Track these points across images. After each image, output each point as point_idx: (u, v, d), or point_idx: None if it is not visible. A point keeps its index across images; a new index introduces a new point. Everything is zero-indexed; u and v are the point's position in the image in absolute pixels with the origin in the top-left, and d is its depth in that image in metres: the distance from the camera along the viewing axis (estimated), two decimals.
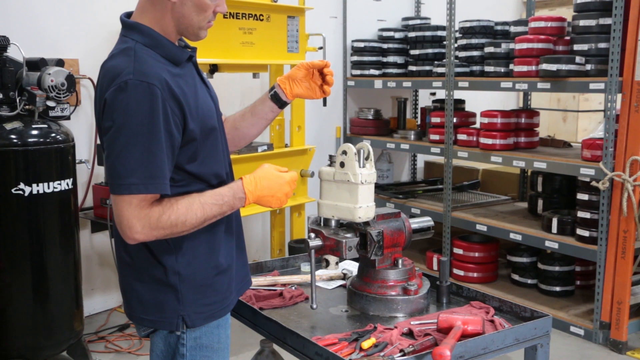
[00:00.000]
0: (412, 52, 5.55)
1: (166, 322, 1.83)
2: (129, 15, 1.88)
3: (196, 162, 1.80)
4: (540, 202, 4.95)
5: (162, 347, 1.88)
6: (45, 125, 3.44)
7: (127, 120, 1.66)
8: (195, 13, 1.81)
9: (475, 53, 5.01)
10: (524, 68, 4.43)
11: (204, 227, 1.79)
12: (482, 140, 4.76)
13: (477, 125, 5.11)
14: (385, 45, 5.73)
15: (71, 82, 3.51)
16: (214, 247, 1.87)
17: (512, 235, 4.60)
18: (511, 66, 4.60)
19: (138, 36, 1.79)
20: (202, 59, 3.52)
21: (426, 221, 2.35)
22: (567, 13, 5.10)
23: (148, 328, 1.88)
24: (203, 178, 1.83)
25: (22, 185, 3.31)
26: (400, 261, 2.19)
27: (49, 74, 3.42)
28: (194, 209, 1.73)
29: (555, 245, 4.33)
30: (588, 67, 4.15)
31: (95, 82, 4.31)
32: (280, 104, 2.11)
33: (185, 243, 1.81)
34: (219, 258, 1.88)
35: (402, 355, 1.85)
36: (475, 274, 4.97)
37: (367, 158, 2.08)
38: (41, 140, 3.37)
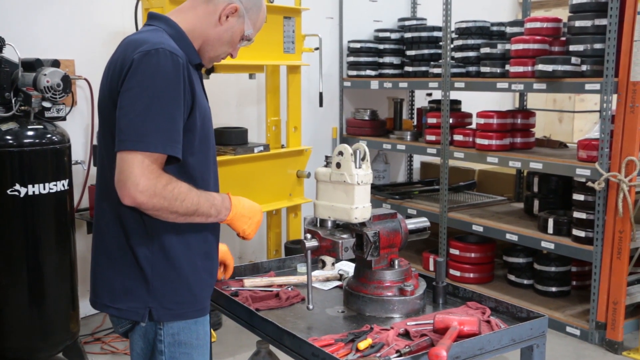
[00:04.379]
0: (408, 52, 5.56)
1: (132, 312, 1.83)
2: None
3: (192, 157, 1.82)
4: (536, 203, 4.96)
5: (142, 345, 1.89)
6: (41, 126, 3.43)
7: (154, 82, 1.69)
8: (227, 43, 1.92)
9: (471, 54, 5.02)
10: (520, 69, 4.44)
11: (189, 228, 1.82)
12: (478, 140, 4.76)
13: (473, 126, 5.11)
14: (381, 46, 5.73)
15: (67, 82, 3.51)
16: (192, 248, 1.87)
17: (508, 236, 4.61)
18: (507, 67, 4.61)
19: (164, 26, 1.86)
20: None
21: (422, 222, 2.36)
22: (563, 14, 5.11)
23: (126, 323, 1.88)
24: (192, 174, 1.83)
25: (17, 186, 3.30)
26: (396, 262, 2.19)
27: (45, 74, 3.41)
28: (192, 193, 1.77)
29: (551, 246, 4.34)
30: (584, 67, 4.16)
31: (91, 83, 4.37)
32: None
33: (164, 237, 1.81)
34: (196, 259, 1.88)
35: (398, 356, 1.85)
36: (471, 275, 4.97)
37: (363, 159, 2.09)
38: (37, 141, 3.36)
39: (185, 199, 1.74)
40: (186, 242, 1.85)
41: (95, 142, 4.36)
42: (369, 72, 5.68)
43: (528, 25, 4.59)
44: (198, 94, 1.81)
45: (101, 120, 1.87)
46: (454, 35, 5.16)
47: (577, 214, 4.25)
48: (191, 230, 1.85)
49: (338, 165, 2.08)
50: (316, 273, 2.55)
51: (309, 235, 2.13)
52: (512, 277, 4.94)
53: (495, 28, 5.14)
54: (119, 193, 1.70)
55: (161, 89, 1.69)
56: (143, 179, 1.66)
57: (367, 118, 5.73)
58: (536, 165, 4.40)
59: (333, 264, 2.64)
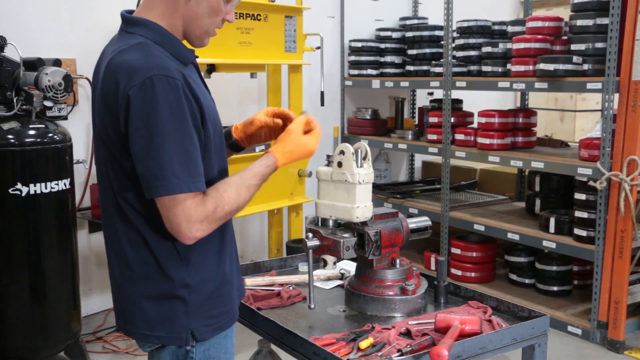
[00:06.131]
0: (410, 51, 5.55)
1: (174, 338, 1.76)
2: (129, 12, 1.80)
3: (210, 164, 1.76)
4: (537, 202, 4.96)
5: None
6: (43, 125, 3.43)
7: (158, 118, 1.59)
8: (208, 15, 1.76)
9: (472, 53, 5.01)
10: (522, 68, 4.43)
11: (214, 236, 1.76)
12: (480, 140, 4.76)
13: (475, 125, 5.11)
14: (382, 45, 5.73)
15: (68, 82, 3.51)
16: (221, 257, 1.82)
17: (509, 235, 4.60)
18: (509, 66, 4.61)
19: (146, 32, 1.71)
20: (199, 58, 3.50)
21: (424, 221, 2.35)
22: (565, 13, 5.10)
23: (154, 344, 1.80)
24: (213, 181, 1.77)
25: (19, 186, 3.30)
26: (398, 261, 2.19)
27: (46, 73, 3.41)
28: (242, 194, 1.73)
29: (553, 245, 4.34)
30: (585, 66, 4.16)
31: (92, 82, 4.37)
32: (239, 150, 2.13)
33: (194, 253, 1.75)
34: (225, 267, 1.84)
35: (399, 355, 1.85)
36: (472, 274, 4.97)
37: (364, 158, 2.08)
38: (38, 140, 3.36)
39: (238, 206, 1.72)
40: (217, 252, 1.81)
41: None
42: (370, 71, 5.68)
43: (529, 24, 4.59)
44: (203, 102, 1.71)
45: (102, 145, 1.75)
46: (455, 35, 5.16)
47: (578, 213, 4.25)
48: (220, 239, 1.81)
49: (339, 164, 2.07)
50: (317, 272, 2.55)
51: (310, 235, 2.13)
52: (513, 277, 4.93)
53: (496, 27, 5.13)
54: (178, 238, 1.65)
55: (167, 122, 1.59)
56: (194, 218, 1.62)
57: (368, 117, 5.73)
58: (538, 165, 4.39)
59: (334, 263, 2.64)
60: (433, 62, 5.26)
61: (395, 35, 5.74)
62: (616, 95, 3.96)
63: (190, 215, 1.62)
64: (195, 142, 1.65)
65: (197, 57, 1.86)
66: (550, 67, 4.19)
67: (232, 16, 1.84)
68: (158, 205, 1.64)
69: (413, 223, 2.30)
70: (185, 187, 1.62)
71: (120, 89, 1.61)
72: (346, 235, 2.11)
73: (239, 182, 1.75)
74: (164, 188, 1.61)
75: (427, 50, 5.42)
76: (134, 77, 1.60)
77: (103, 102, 1.68)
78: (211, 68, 4.22)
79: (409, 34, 5.58)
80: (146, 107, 1.59)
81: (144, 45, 1.67)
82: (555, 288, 4.66)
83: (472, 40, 5.02)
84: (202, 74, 1.95)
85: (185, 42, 1.82)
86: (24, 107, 3.42)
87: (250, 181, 1.77)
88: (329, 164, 2.13)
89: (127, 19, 1.76)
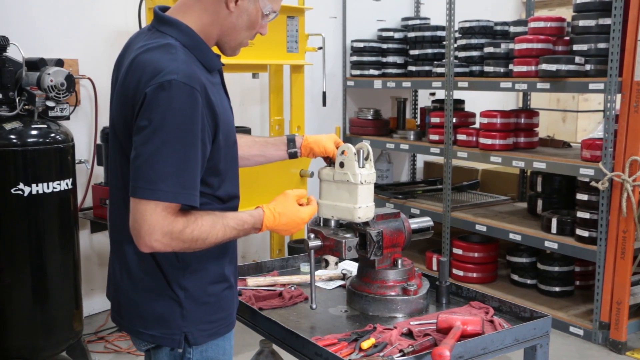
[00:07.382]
0: (412, 52, 5.55)
1: (168, 339, 1.76)
2: (162, 9, 1.78)
3: (217, 178, 1.75)
4: (539, 202, 4.95)
5: None
6: (45, 126, 3.43)
7: (166, 123, 1.57)
8: (246, 28, 1.77)
9: (474, 53, 5.01)
10: (524, 68, 4.43)
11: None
12: (482, 140, 4.76)
13: (477, 126, 5.11)
14: (384, 46, 5.73)
15: (71, 82, 3.51)
16: (221, 262, 1.81)
17: (511, 236, 4.60)
18: (511, 66, 4.60)
19: (177, 34, 1.70)
20: None
21: (426, 221, 2.35)
22: (567, 13, 5.11)
23: (148, 343, 1.81)
24: (219, 197, 1.76)
25: (21, 186, 3.30)
26: (399, 261, 2.19)
27: (49, 74, 3.42)
28: (217, 229, 1.68)
29: (555, 246, 4.33)
30: (587, 67, 4.16)
31: (94, 82, 4.38)
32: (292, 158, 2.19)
33: (194, 258, 1.74)
34: (226, 273, 1.83)
35: (401, 356, 1.84)
36: (474, 274, 4.97)
37: (366, 158, 2.08)
38: (40, 140, 3.36)
39: (207, 237, 1.66)
40: (217, 258, 1.80)
41: (99, 141, 4.39)
42: (372, 71, 5.68)
43: (532, 24, 4.59)
44: (220, 113, 1.68)
45: (115, 140, 1.75)
46: (457, 35, 5.16)
47: (580, 214, 4.24)
48: (220, 246, 1.78)
49: (341, 164, 2.07)
50: (319, 272, 2.55)
51: (312, 235, 2.13)
52: (515, 277, 4.93)
53: (498, 27, 5.13)
54: (135, 240, 1.63)
55: (174, 129, 1.57)
56: (157, 227, 1.58)
57: (370, 117, 5.73)
58: (540, 165, 4.39)
59: (336, 264, 2.64)
60: (435, 62, 5.26)
61: (397, 35, 5.74)
62: (618, 96, 3.95)
63: (156, 223, 1.58)
64: (198, 154, 1.62)
65: (223, 65, 1.84)
66: (553, 67, 4.19)
67: (266, 29, 1.83)
68: (130, 203, 1.62)
69: (415, 223, 2.30)
70: (173, 197, 1.59)
71: (140, 86, 1.61)
72: (348, 235, 2.12)
73: (219, 215, 1.72)
74: (146, 191, 1.57)
75: (429, 51, 5.42)
76: (155, 77, 1.59)
77: (122, 96, 1.68)
78: None
79: (411, 35, 5.58)
80: (157, 109, 1.58)
81: (172, 48, 1.66)
82: (557, 289, 4.66)
83: (474, 41, 5.02)
84: (222, 74, 1.91)
85: (214, 49, 1.80)
86: (26, 107, 3.42)
87: (230, 222, 1.72)
88: (330, 164, 2.13)
89: (160, 17, 1.75)
